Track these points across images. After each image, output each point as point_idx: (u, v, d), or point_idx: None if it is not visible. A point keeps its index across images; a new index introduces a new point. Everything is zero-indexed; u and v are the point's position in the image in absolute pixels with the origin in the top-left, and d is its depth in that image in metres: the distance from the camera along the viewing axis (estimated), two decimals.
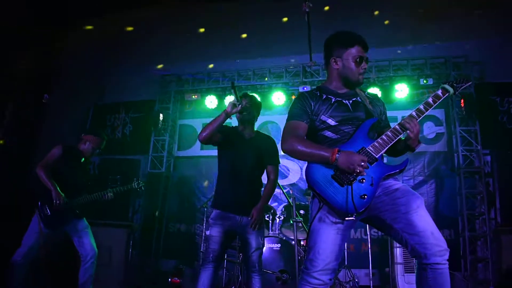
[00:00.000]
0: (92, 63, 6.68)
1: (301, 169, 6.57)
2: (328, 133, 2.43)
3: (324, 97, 2.49)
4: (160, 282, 5.83)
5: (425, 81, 6.15)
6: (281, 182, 6.26)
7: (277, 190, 6.47)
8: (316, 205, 2.33)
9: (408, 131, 2.30)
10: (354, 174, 2.20)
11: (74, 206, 4.09)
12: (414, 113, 2.35)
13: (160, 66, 7.46)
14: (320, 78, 6.52)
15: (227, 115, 3.23)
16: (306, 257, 2.32)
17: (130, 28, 6.40)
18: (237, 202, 3.38)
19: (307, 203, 5.55)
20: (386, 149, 2.33)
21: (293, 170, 6.59)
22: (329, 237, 2.27)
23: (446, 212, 6.07)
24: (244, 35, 6.46)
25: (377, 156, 2.31)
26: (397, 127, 2.35)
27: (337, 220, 2.27)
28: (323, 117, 2.43)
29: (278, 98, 6.56)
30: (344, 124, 2.42)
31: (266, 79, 6.79)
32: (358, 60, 2.42)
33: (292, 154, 2.38)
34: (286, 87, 6.74)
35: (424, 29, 5.84)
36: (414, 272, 5.07)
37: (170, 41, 6.38)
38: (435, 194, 6.13)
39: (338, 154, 2.20)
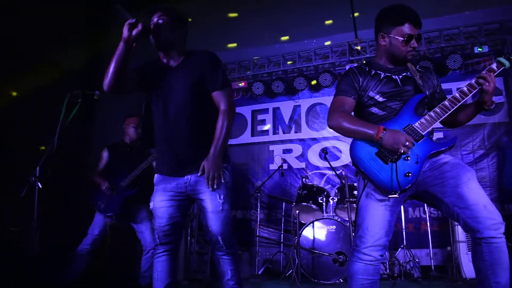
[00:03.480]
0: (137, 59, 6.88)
1: None
2: (375, 110, 2.40)
3: (373, 72, 2.44)
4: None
5: (480, 49, 5.81)
6: (333, 164, 6.22)
7: (328, 172, 6.55)
8: (362, 182, 2.32)
9: (484, 86, 2.21)
10: (398, 153, 2.17)
11: (125, 186, 4.20)
12: (494, 66, 2.27)
13: None
14: (368, 55, 6.35)
15: (128, 42, 2.26)
16: (355, 234, 2.33)
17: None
18: (177, 160, 2.49)
19: None
20: (433, 125, 2.27)
21: (344, 151, 6.51)
22: (377, 213, 2.25)
23: (510, 186, 5.77)
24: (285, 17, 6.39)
25: (423, 133, 2.25)
26: (446, 102, 2.28)
27: (383, 197, 2.25)
28: (371, 93, 2.39)
29: (325, 79, 6.47)
30: (391, 100, 2.38)
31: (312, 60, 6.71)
32: (406, 38, 2.35)
33: (338, 130, 2.36)
34: (332, 68, 6.63)
35: None
36: None
37: (212, 29, 6.40)
38: (497, 167, 5.81)
39: (383, 132, 2.17)
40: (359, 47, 6.36)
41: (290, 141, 6.93)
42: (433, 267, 4.91)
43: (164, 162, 2.57)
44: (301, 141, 6.87)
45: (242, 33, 6.72)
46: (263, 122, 7.14)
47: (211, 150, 2.40)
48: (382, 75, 2.42)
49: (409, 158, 2.21)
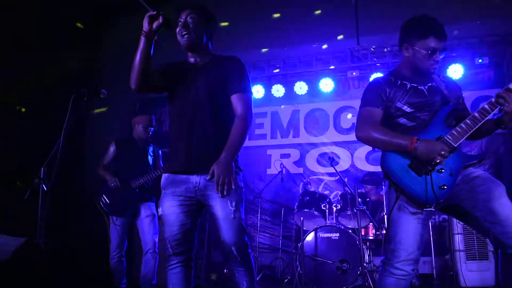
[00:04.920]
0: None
1: (352, 155, 6.47)
2: (403, 120, 2.37)
3: (399, 83, 2.41)
4: (215, 273, 5.89)
5: (480, 61, 5.87)
6: (332, 169, 6.19)
7: (326, 178, 6.54)
8: (393, 195, 2.29)
9: (504, 107, 2.19)
10: (433, 163, 2.14)
11: (134, 186, 4.07)
12: (511, 86, 2.23)
13: None
14: (369, 62, 6.35)
15: (148, 35, 2.23)
16: (387, 248, 2.29)
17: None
18: (190, 157, 2.36)
19: (363, 191, 5.47)
20: (465, 137, 2.25)
21: (342, 157, 6.49)
22: (410, 227, 2.23)
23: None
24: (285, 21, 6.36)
25: (455, 145, 2.23)
26: (476, 114, 2.26)
27: (417, 210, 2.22)
28: (398, 104, 2.36)
29: (326, 84, 6.45)
30: (420, 111, 2.35)
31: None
32: (430, 52, 2.32)
33: (368, 141, 2.33)
34: (333, 73, 6.61)
35: (475, 5, 5.58)
36: (476, 260, 4.97)
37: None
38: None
39: (417, 142, 2.14)
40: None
41: (288, 145, 6.87)
42: (435, 275, 4.91)
43: (173, 158, 2.46)
44: (299, 146, 6.82)
45: (241, 36, 6.65)
46: (260, 126, 7.06)
47: (222, 153, 2.27)
48: (409, 86, 2.40)
49: (443, 170, 2.19)
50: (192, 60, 2.55)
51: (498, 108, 2.24)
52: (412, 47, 2.37)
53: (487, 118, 2.26)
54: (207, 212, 2.45)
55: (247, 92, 2.47)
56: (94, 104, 6.21)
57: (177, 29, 2.42)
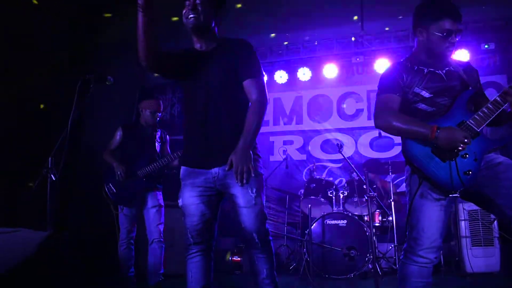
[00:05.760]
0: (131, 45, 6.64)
1: (356, 142, 6.44)
2: (422, 106, 2.31)
3: (415, 68, 2.35)
4: (220, 260, 5.88)
5: (486, 46, 5.83)
6: (335, 156, 6.17)
7: (330, 164, 6.50)
8: (415, 181, 2.24)
9: None
10: (456, 151, 2.10)
11: (141, 175, 3.98)
12: None
13: None
14: (374, 48, 6.29)
15: (144, 8, 2.10)
16: (409, 236, 2.25)
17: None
18: (206, 151, 2.33)
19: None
20: (488, 122, 2.20)
21: (346, 144, 6.46)
22: (432, 214, 2.19)
23: None
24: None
25: (478, 130, 2.18)
26: (498, 98, 2.21)
27: (440, 197, 2.18)
28: (416, 89, 2.30)
29: (329, 70, 6.39)
30: (439, 96, 2.30)
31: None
32: (445, 34, 2.26)
33: (387, 130, 2.28)
34: (337, 59, 6.54)
35: None
36: (481, 246, 4.99)
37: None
38: None
39: (437, 131, 2.08)
40: None
41: (291, 132, 6.82)
42: (442, 261, 4.92)
43: (190, 152, 2.42)
44: (302, 132, 6.78)
45: (243, 22, 6.55)
46: None
47: (239, 142, 2.22)
48: (426, 70, 2.34)
49: (467, 155, 2.15)
50: (198, 46, 2.44)
51: None
52: (426, 31, 2.31)
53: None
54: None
55: (260, 76, 2.39)
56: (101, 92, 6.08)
57: (184, 11, 2.30)
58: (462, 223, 5.16)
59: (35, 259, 1.29)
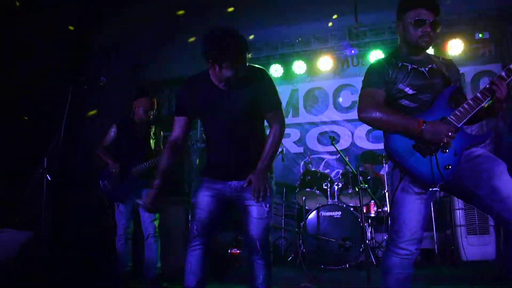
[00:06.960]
0: (130, 41, 6.65)
1: (352, 134, 6.48)
2: (405, 102, 2.34)
3: (399, 64, 2.38)
4: (220, 254, 5.94)
5: (480, 35, 5.82)
6: (332, 148, 6.19)
7: (327, 156, 6.54)
8: (397, 175, 2.28)
9: (497, 93, 2.17)
10: (441, 145, 2.14)
11: (136, 173, 4.00)
12: (504, 74, 2.21)
13: (192, 39, 7.32)
14: (368, 40, 6.30)
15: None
16: (391, 228, 2.31)
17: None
18: (229, 170, 2.55)
19: (361, 169, 5.48)
20: (468, 117, 2.24)
21: (343, 136, 6.50)
22: (413, 207, 2.24)
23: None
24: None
25: (459, 126, 2.22)
26: (478, 95, 2.25)
27: (421, 191, 2.23)
28: (400, 86, 2.33)
29: (324, 63, 6.41)
30: (422, 93, 2.33)
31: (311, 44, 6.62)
32: (416, 22, 2.28)
33: (372, 123, 2.30)
34: (332, 52, 6.56)
35: None
36: (476, 234, 5.04)
37: (211, 12, 6.23)
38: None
39: (423, 125, 2.12)
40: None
41: (288, 125, 6.84)
42: (436, 250, 4.98)
43: (214, 169, 2.62)
44: (299, 125, 6.82)
45: (238, 15, 6.56)
46: None
47: (259, 164, 2.47)
48: (410, 67, 2.37)
49: (447, 150, 2.19)
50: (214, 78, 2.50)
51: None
52: (402, 22, 2.35)
53: (488, 99, 2.25)
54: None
55: (280, 106, 2.59)
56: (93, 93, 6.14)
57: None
58: (458, 212, 5.21)
59: (16, 261, 1.34)
